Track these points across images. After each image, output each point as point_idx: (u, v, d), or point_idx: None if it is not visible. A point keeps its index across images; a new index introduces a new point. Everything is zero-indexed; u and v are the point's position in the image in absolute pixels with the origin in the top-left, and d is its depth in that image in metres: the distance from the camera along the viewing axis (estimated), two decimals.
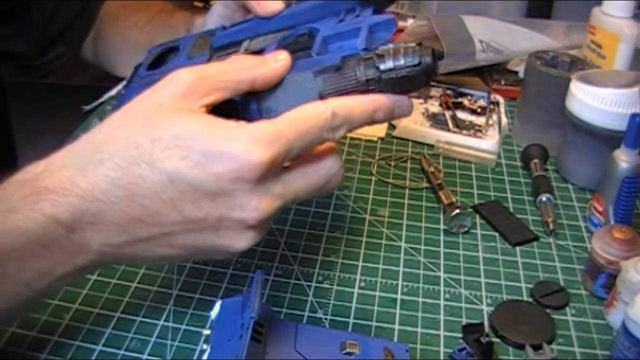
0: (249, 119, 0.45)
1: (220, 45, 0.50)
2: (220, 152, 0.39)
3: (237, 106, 0.45)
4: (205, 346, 0.46)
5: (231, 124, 0.41)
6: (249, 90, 0.43)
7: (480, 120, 0.84)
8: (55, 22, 0.78)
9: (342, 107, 0.43)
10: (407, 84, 0.43)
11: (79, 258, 0.42)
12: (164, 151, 0.40)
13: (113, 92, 0.83)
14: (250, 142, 0.39)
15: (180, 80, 0.42)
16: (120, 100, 0.51)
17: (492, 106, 0.87)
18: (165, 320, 0.54)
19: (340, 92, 0.43)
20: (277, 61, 0.44)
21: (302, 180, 0.43)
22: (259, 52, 0.47)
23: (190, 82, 0.42)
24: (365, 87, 0.43)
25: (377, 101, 0.44)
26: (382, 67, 0.43)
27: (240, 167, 0.39)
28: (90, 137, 0.42)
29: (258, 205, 0.41)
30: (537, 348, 0.52)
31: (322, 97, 0.43)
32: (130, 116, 0.42)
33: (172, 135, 0.40)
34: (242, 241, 0.43)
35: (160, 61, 0.53)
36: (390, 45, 0.44)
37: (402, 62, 0.43)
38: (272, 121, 0.41)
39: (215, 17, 0.61)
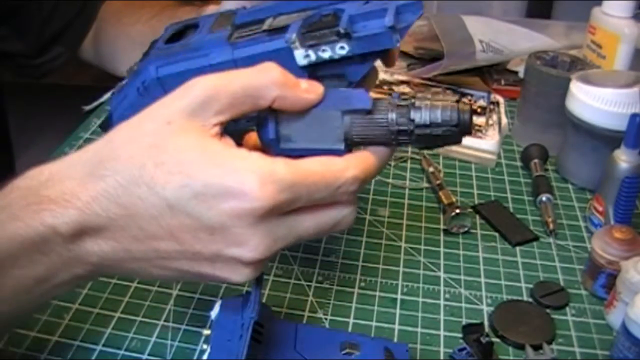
0: (263, 139, 0.43)
1: (242, 23, 0.48)
2: (224, 186, 0.37)
3: (255, 118, 0.43)
4: (205, 346, 0.46)
5: (242, 154, 0.39)
6: (268, 106, 0.41)
7: (480, 120, 0.84)
8: (53, 22, 0.78)
9: (364, 170, 0.41)
10: (438, 142, 0.42)
11: (77, 268, 0.42)
12: (166, 176, 0.38)
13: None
14: (257, 182, 0.37)
15: (195, 95, 0.39)
16: (133, 77, 0.49)
17: (492, 106, 0.87)
18: (165, 320, 0.54)
19: (368, 136, 0.41)
20: (310, 92, 0.41)
21: (309, 224, 0.41)
22: (283, 29, 0.45)
23: (205, 97, 0.39)
24: (394, 137, 0.41)
25: (391, 153, 0.43)
26: (417, 120, 0.40)
27: (243, 206, 0.37)
28: (97, 150, 0.41)
29: (257, 245, 0.39)
30: (537, 348, 0.52)
31: (347, 137, 0.42)
32: (138, 133, 0.40)
33: (176, 162, 0.38)
34: (238, 276, 0.41)
35: (178, 38, 0.51)
36: (428, 96, 0.41)
37: (439, 119, 0.40)
38: (286, 164, 0.39)
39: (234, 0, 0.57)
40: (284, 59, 0.43)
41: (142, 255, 0.41)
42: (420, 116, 0.41)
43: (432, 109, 0.41)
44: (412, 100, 0.41)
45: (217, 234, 0.39)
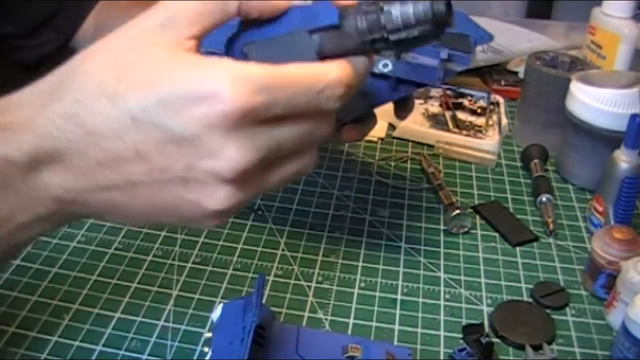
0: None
1: None
2: (192, 89, 0.34)
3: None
4: (205, 348, 0.46)
5: (212, 59, 0.35)
6: (236, 14, 0.38)
7: (480, 120, 0.84)
8: (42, 5, 0.79)
9: (347, 74, 0.37)
10: (418, 43, 0.39)
11: (38, 205, 0.38)
12: (128, 87, 0.35)
13: None
14: (229, 83, 0.34)
15: (162, 11, 0.37)
16: None
17: (492, 106, 0.87)
18: (165, 321, 0.54)
19: (342, 51, 0.38)
20: None
21: (291, 133, 0.37)
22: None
23: (173, 11, 0.37)
24: (370, 47, 0.38)
25: (370, 61, 0.39)
26: (389, 26, 0.37)
27: (214, 109, 0.34)
28: (59, 72, 0.38)
29: (233, 154, 0.35)
30: (537, 348, 0.52)
31: (321, 55, 0.38)
32: (102, 50, 0.37)
33: (141, 73, 0.35)
34: (216, 197, 0.36)
35: None
36: None
37: (412, 20, 0.37)
38: (262, 66, 0.35)
39: None
40: (314, 15, 0.40)
41: (107, 182, 0.37)
42: (392, 20, 0.37)
43: (403, 10, 0.37)
44: (381, 4, 0.37)
45: (187, 145, 0.35)
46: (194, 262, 0.60)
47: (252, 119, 0.35)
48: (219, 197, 0.36)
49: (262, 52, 0.39)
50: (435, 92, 0.91)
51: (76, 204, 0.38)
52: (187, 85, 0.34)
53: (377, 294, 0.58)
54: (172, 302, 0.55)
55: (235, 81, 0.34)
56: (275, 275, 0.59)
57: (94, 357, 0.50)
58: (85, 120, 0.35)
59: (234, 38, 0.41)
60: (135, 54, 0.36)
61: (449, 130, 0.82)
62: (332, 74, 0.36)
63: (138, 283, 0.57)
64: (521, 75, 0.91)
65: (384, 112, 0.62)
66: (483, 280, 0.60)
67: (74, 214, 0.40)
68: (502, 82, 0.95)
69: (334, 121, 0.39)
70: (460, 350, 0.51)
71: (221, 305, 0.48)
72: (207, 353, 0.45)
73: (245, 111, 0.34)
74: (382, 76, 0.43)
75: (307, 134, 0.37)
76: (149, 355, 0.50)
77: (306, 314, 0.55)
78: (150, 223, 0.45)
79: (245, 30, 0.41)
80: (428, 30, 0.37)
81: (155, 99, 0.34)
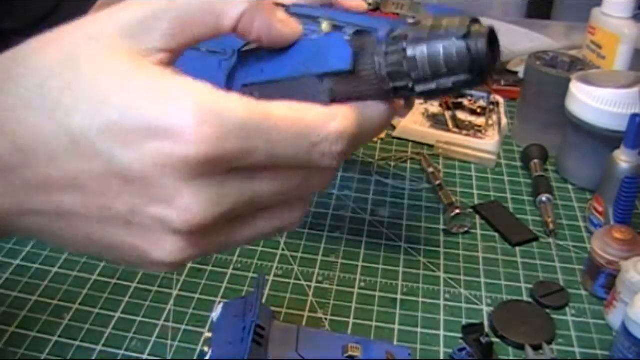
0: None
1: (295, 13, 0.39)
2: (148, 118, 0.27)
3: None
4: (205, 348, 0.46)
5: (186, 81, 0.28)
6: (230, 31, 0.30)
7: (480, 120, 0.84)
8: (39, 2, 0.79)
9: (356, 123, 0.30)
10: (451, 93, 0.34)
11: None
12: (74, 101, 0.28)
13: None
14: (195, 118, 0.26)
15: (135, 9, 0.29)
16: None
17: (492, 106, 0.87)
18: (165, 320, 0.54)
19: (359, 96, 0.31)
20: (285, 25, 0.32)
21: (269, 187, 0.29)
22: (339, 27, 0.36)
23: (150, 13, 0.29)
24: (392, 94, 0.31)
25: (391, 109, 0.32)
26: (414, 75, 0.29)
27: (171, 150, 0.26)
28: (2, 58, 0.31)
29: (189, 205, 0.28)
30: (537, 348, 0.52)
31: (334, 100, 0.32)
32: (55, 44, 0.30)
33: (91, 85, 0.28)
34: (163, 248, 0.29)
35: None
36: (425, 34, 0.29)
37: (443, 68, 0.29)
38: (242, 100, 0.27)
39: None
40: (324, 55, 0.38)
41: (36, 207, 0.30)
42: (417, 68, 0.29)
43: (432, 55, 0.28)
44: (404, 45, 0.29)
45: (134, 184, 0.28)
46: (194, 262, 0.60)
47: (219, 167, 0.28)
48: (167, 249, 0.30)
49: (265, 96, 0.32)
50: None
51: (12, 227, 0.32)
52: (145, 112, 0.27)
53: (377, 293, 0.58)
54: (172, 302, 0.55)
55: (203, 118, 0.26)
56: (275, 275, 0.59)
57: (94, 357, 0.50)
58: (16, 133, 0.29)
59: (233, 72, 0.36)
60: (88, 58, 0.28)
61: (449, 130, 0.82)
62: (334, 124, 0.29)
63: (138, 283, 0.57)
64: (521, 75, 0.91)
65: None
66: (483, 280, 0.60)
67: (13, 233, 0.33)
68: (502, 82, 0.95)
69: (332, 175, 0.32)
70: (460, 350, 0.51)
71: (221, 305, 0.48)
72: (207, 353, 0.46)
73: (210, 158, 0.27)
74: None
75: (292, 189, 0.30)
76: (149, 355, 0.50)
77: (306, 313, 0.55)
78: (95, 255, 0.36)
79: (244, 63, 0.35)
80: (464, 81, 0.29)
81: (102, 121, 0.27)
